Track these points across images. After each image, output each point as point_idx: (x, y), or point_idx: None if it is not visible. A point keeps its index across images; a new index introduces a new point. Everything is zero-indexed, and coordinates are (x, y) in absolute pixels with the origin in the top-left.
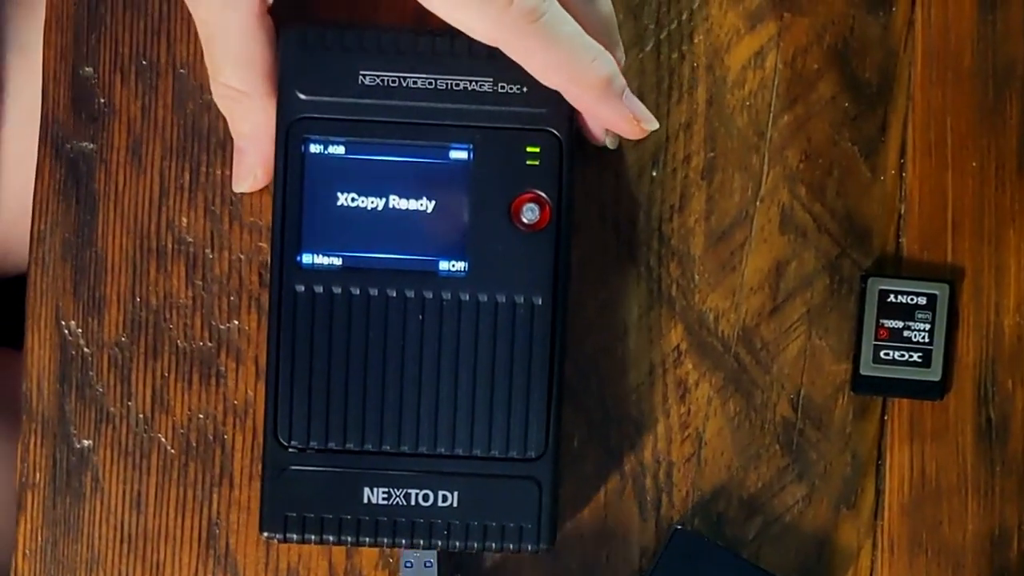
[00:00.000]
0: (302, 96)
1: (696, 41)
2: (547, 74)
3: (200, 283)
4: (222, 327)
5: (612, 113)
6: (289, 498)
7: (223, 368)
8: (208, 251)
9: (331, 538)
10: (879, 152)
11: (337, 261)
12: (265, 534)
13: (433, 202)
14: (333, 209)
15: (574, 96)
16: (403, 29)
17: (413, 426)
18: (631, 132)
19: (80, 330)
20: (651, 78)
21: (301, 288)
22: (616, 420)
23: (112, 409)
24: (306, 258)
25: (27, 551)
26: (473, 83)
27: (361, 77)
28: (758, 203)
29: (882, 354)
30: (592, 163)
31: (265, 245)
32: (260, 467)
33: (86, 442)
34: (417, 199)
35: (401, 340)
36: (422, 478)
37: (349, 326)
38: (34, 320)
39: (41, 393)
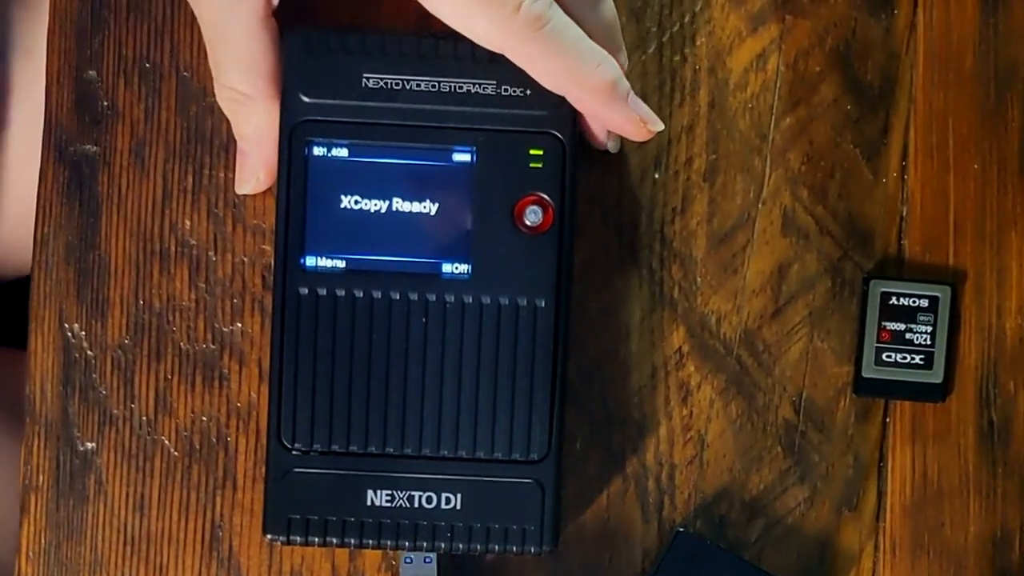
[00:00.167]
0: (306, 99)
1: (698, 44)
2: (552, 80)
3: (203, 285)
4: (225, 330)
5: (618, 116)
6: (292, 500)
7: (226, 370)
8: (211, 253)
9: (334, 540)
10: (881, 154)
11: (340, 263)
12: (268, 536)
13: (436, 204)
14: (336, 211)
15: (579, 101)
16: (406, 32)
17: (416, 428)
18: (637, 134)
19: (83, 333)
20: (653, 81)
21: (304, 290)
22: (618, 422)
23: (115, 411)
24: (309, 260)
25: (31, 553)
26: (476, 86)
27: (364, 80)
28: (760, 205)
29: (884, 356)
30: (595, 166)
31: (268, 248)
32: (263, 469)
33: (89, 445)
34: (420, 201)
35: (404, 342)
36: (425, 480)
37: (352, 328)
38: (37, 323)
39: (45, 396)
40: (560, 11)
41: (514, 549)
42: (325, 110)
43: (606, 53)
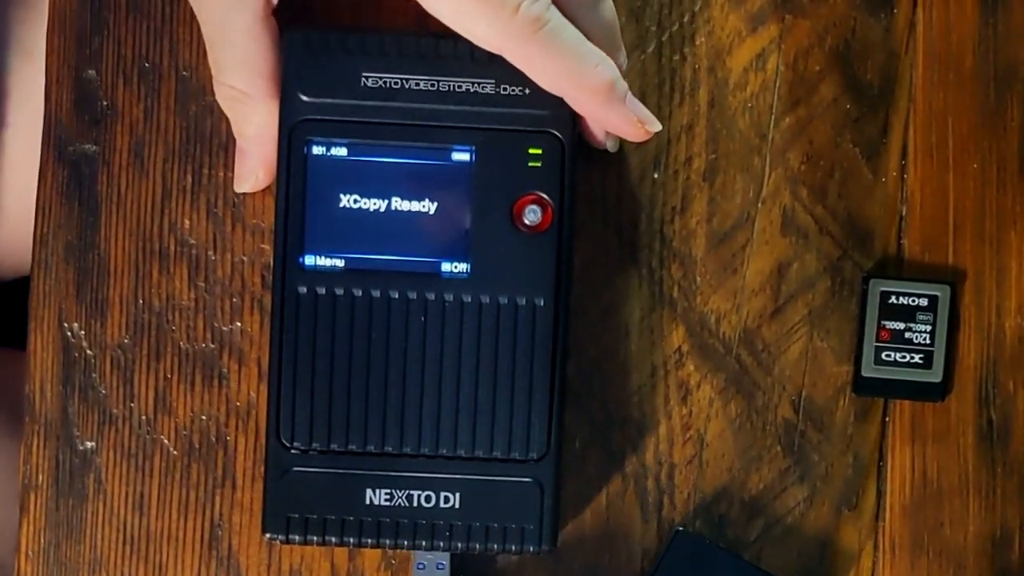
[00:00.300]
0: (305, 98)
1: (698, 43)
2: (550, 81)
3: (203, 285)
4: (224, 329)
5: (616, 117)
6: (291, 499)
7: (226, 370)
8: (211, 253)
9: (333, 539)
10: (880, 154)
11: (339, 263)
12: (267, 535)
13: (435, 204)
14: (335, 211)
15: (577, 102)
16: (405, 31)
17: (415, 427)
18: (635, 135)
19: (83, 332)
20: (653, 80)
21: (303, 290)
22: (618, 422)
23: (115, 411)
24: (308, 260)
25: (30, 553)
26: (475, 85)
27: (364, 79)
28: (760, 205)
29: (883, 356)
30: (594, 165)
31: (268, 247)
32: (263, 468)
33: (89, 444)
34: (419, 201)
35: (403, 341)
36: (424, 479)
37: (351, 328)
38: (37, 322)
39: (44, 395)
40: (558, 12)
41: (513, 548)
42: (324, 109)
43: (604, 54)
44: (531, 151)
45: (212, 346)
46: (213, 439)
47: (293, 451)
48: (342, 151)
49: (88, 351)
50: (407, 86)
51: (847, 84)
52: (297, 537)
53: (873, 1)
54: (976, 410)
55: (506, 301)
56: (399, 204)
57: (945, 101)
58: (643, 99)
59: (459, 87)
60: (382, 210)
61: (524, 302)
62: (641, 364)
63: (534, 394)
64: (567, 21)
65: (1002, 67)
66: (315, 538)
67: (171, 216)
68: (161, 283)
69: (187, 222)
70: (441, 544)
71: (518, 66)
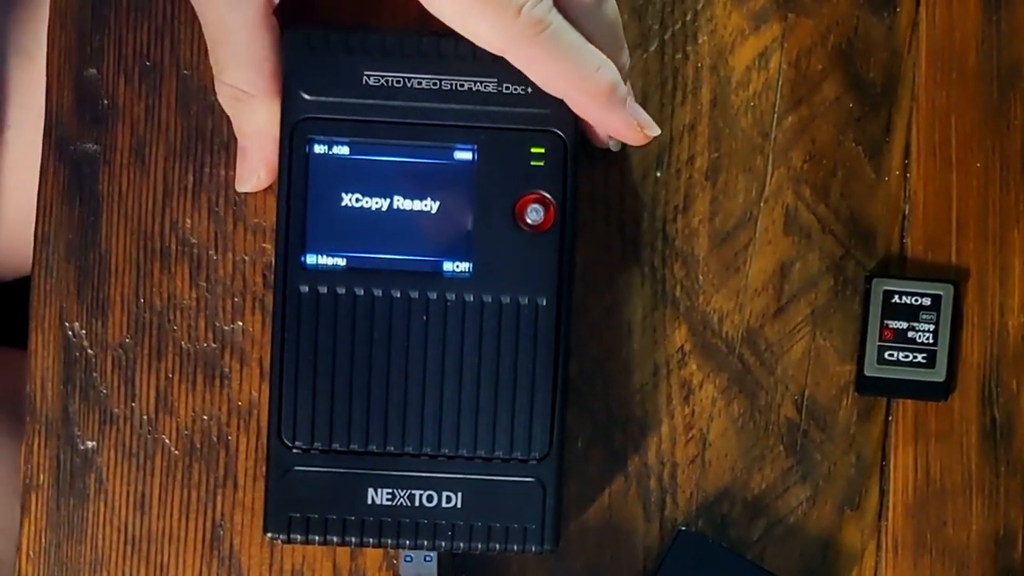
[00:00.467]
0: (306, 96)
1: (700, 42)
2: (552, 83)
3: (204, 284)
4: (226, 328)
5: (616, 120)
6: (293, 499)
7: (227, 369)
8: (212, 252)
9: (335, 539)
10: (883, 153)
11: (341, 262)
12: (269, 535)
13: (437, 203)
14: (337, 209)
15: (578, 104)
16: (407, 30)
17: (417, 427)
18: (634, 139)
19: (84, 331)
20: (655, 79)
21: (305, 289)
22: (620, 421)
23: (116, 410)
24: (310, 259)
25: (31, 553)
26: (477, 84)
27: (365, 78)
28: (762, 204)
29: (886, 355)
30: (596, 164)
31: (269, 246)
32: (264, 468)
33: (90, 443)
34: (421, 200)
35: (405, 341)
36: (426, 479)
37: (353, 327)
38: (38, 322)
39: (45, 395)
40: (560, 15)
41: (515, 548)
42: (326, 108)
43: (605, 58)
44: (533, 150)
45: (213, 345)
46: (214, 439)
47: (295, 450)
48: (344, 150)
49: (89, 350)
50: (409, 85)
51: (850, 83)
52: (299, 537)
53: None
54: (979, 409)
55: (508, 300)
56: (401, 203)
57: (948, 100)
58: (645, 98)
59: (461, 86)
60: (384, 209)
61: (526, 301)
62: (643, 363)
63: (536, 393)
64: (569, 24)
65: (1005, 65)
66: (317, 538)
67: (172, 215)
68: (162, 282)
69: (188, 221)
70: (443, 544)
71: (519, 67)
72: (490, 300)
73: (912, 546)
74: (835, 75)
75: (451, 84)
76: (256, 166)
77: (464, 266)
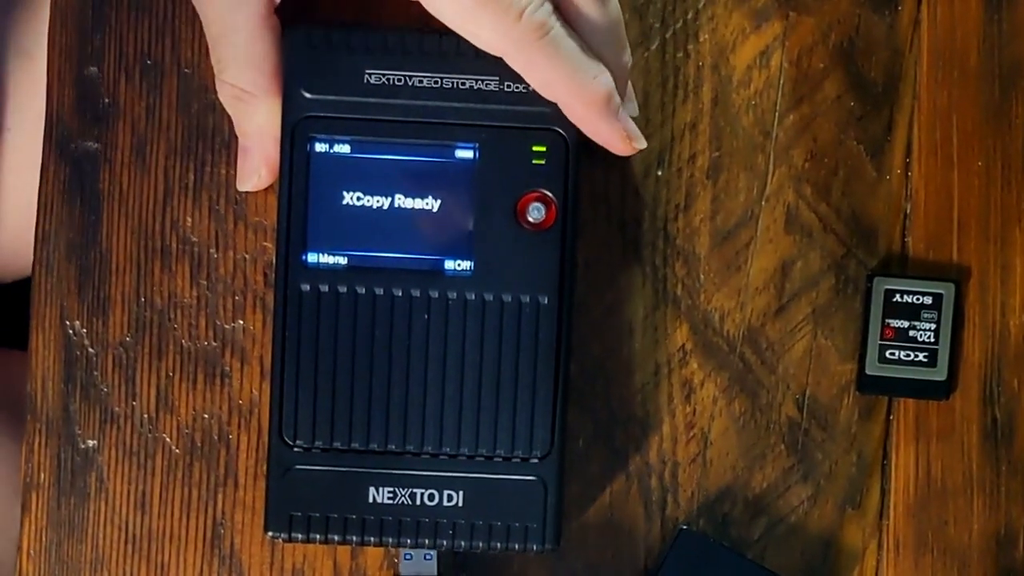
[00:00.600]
0: (307, 95)
1: (701, 40)
2: (549, 88)
3: (205, 283)
4: (227, 327)
5: (607, 130)
6: (294, 498)
7: (228, 368)
8: (213, 251)
9: (336, 538)
10: (885, 152)
11: (342, 260)
12: (270, 534)
13: (439, 201)
14: (338, 208)
15: (572, 110)
16: (408, 29)
17: (418, 426)
18: (623, 149)
19: (85, 330)
20: (656, 77)
21: (306, 287)
22: (622, 420)
23: (117, 409)
24: (311, 257)
25: (31, 552)
26: (479, 82)
27: (366, 76)
28: (763, 203)
29: (888, 354)
30: (598, 162)
31: (270, 245)
32: (265, 467)
33: (91, 442)
34: (423, 198)
35: (406, 340)
36: (427, 478)
37: (354, 325)
38: (39, 320)
39: (46, 393)
40: (560, 20)
41: (516, 547)
42: (327, 106)
43: (603, 66)
44: (535, 148)
45: (214, 344)
46: (215, 437)
47: (296, 449)
48: (345, 148)
49: (90, 349)
50: (410, 83)
51: (851, 81)
52: (300, 535)
53: None
54: (980, 408)
55: (509, 299)
56: (402, 201)
57: (949, 98)
58: (646, 96)
59: (462, 84)
60: (385, 207)
61: (528, 300)
62: (644, 362)
63: (537, 392)
64: (569, 29)
65: (1007, 64)
66: (318, 536)
67: (173, 214)
68: (163, 281)
69: (189, 220)
70: (445, 543)
71: (518, 70)
72: (491, 299)
73: (913, 545)
74: (836, 74)
75: (452, 82)
76: (257, 165)
77: (465, 265)
